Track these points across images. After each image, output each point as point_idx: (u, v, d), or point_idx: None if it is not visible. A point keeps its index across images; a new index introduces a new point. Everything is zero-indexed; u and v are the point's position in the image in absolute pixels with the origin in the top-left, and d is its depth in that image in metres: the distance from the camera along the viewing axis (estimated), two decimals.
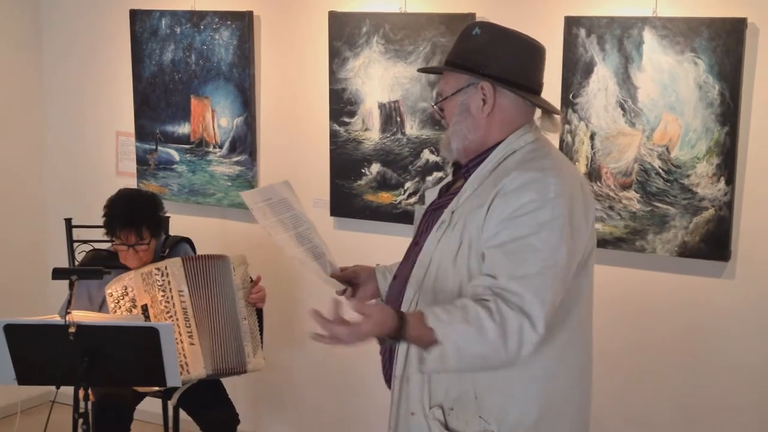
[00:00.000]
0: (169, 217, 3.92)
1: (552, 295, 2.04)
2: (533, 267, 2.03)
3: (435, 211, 2.29)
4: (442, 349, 2.00)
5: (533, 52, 2.24)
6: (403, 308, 2.20)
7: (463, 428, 2.17)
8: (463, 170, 2.27)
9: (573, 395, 2.26)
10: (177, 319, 3.43)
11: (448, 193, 2.32)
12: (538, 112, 2.30)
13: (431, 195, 2.41)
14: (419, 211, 2.42)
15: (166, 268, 3.47)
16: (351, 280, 2.49)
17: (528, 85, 2.22)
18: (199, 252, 3.83)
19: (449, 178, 2.40)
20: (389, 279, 2.46)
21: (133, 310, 3.44)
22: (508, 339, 1.99)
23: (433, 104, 2.38)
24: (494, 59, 2.18)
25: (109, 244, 3.71)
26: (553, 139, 3.58)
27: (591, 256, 2.22)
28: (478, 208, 2.12)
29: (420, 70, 2.61)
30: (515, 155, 2.18)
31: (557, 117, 2.29)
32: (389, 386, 2.33)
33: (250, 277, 3.64)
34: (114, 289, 3.48)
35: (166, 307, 3.44)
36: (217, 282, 3.51)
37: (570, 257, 2.09)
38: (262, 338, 3.66)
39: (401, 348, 2.19)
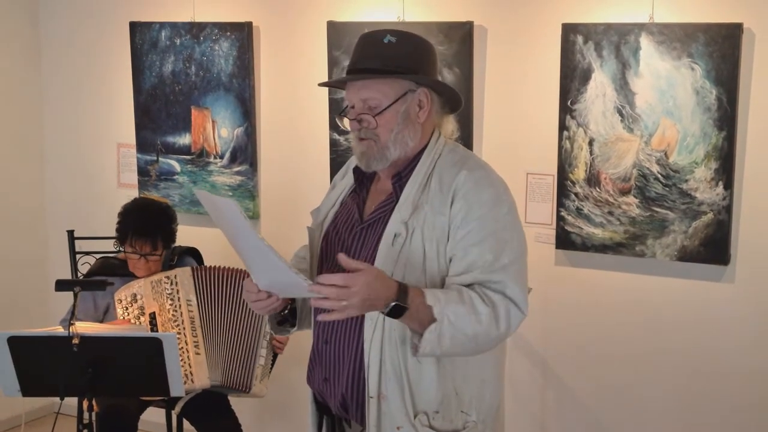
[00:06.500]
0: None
1: (526, 279, 2.20)
2: (508, 257, 2.15)
3: (369, 227, 2.25)
4: (439, 327, 2.06)
5: (436, 56, 2.32)
6: (368, 329, 2.17)
7: (447, 427, 2.23)
8: (394, 180, 2.25)
9: (503, 377, 2.39)
10: (184, 328, 3.45)
11: (381, 208, 2.26)
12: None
13: (324, 211, 2.39)
14: (311, 232, 2.37)
15: (175, 277, 3.50)
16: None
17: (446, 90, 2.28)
18: (207, 262, 3.84)
19: (343, 194, 2.38)
20: None
21: (141, 317, 3.46)
22: (500, 321, 2.11)
23: (363, 114, 2.19)
24: (425, 65, 2.24)
25: (115, 253, 3.72)
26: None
27: None
28: (439, 214, 2.16)
29: (326, 83, 2.42)
30: (441, 158, 2.24)
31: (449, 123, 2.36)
32: (311, 386, 2.37)
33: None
34: (123, 296, 3.50)
35: (173, 315, 3.46)
36: (236, 295, 3.50)
37: (525, 241, 2.26)
38: (271, 368, 3.66)
39: (372, 368, 2.18)
